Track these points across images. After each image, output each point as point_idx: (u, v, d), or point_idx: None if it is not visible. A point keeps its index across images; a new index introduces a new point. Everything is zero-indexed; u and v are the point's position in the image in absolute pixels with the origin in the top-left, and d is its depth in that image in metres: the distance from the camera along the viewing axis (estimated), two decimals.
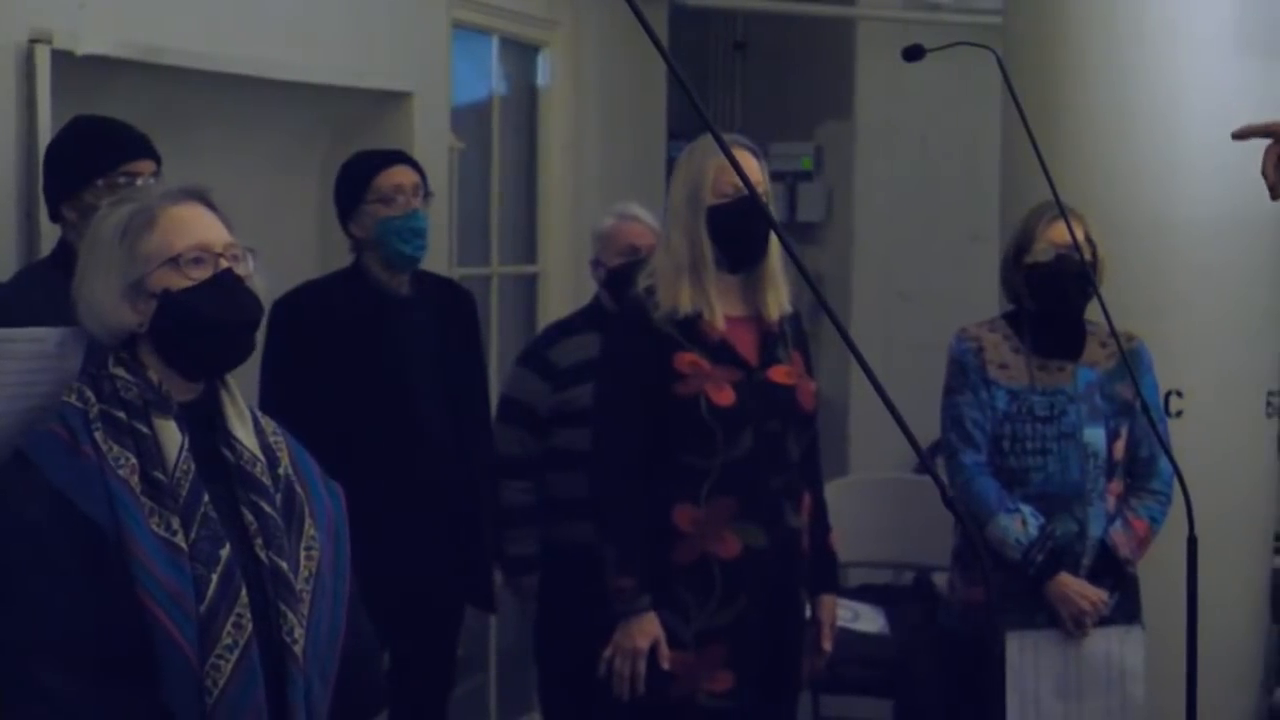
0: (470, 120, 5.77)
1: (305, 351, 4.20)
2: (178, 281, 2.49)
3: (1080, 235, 4.19)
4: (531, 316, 6.21)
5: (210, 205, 2.57)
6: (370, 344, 4.24)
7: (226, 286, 2.52)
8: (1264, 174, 3.00)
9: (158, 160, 3.47)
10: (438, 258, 4.99)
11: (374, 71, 4.90)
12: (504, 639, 5.97)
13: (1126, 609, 4.32)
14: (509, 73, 6.09)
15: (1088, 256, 4.21)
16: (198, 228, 2.53)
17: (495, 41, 5.93)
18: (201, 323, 2.49)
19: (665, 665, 3.76)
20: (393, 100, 5.00)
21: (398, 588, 4.01)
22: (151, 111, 3.88)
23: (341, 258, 4.41)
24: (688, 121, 7.13)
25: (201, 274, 2.50)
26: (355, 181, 4.33)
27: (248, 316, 2.55)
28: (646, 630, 3.75)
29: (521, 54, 6.15)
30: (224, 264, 2.52)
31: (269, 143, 4.78)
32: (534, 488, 4.66)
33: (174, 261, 2.49)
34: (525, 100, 6.20)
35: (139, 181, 3.35)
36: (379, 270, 4.30)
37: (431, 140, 5.10)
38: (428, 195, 4.34)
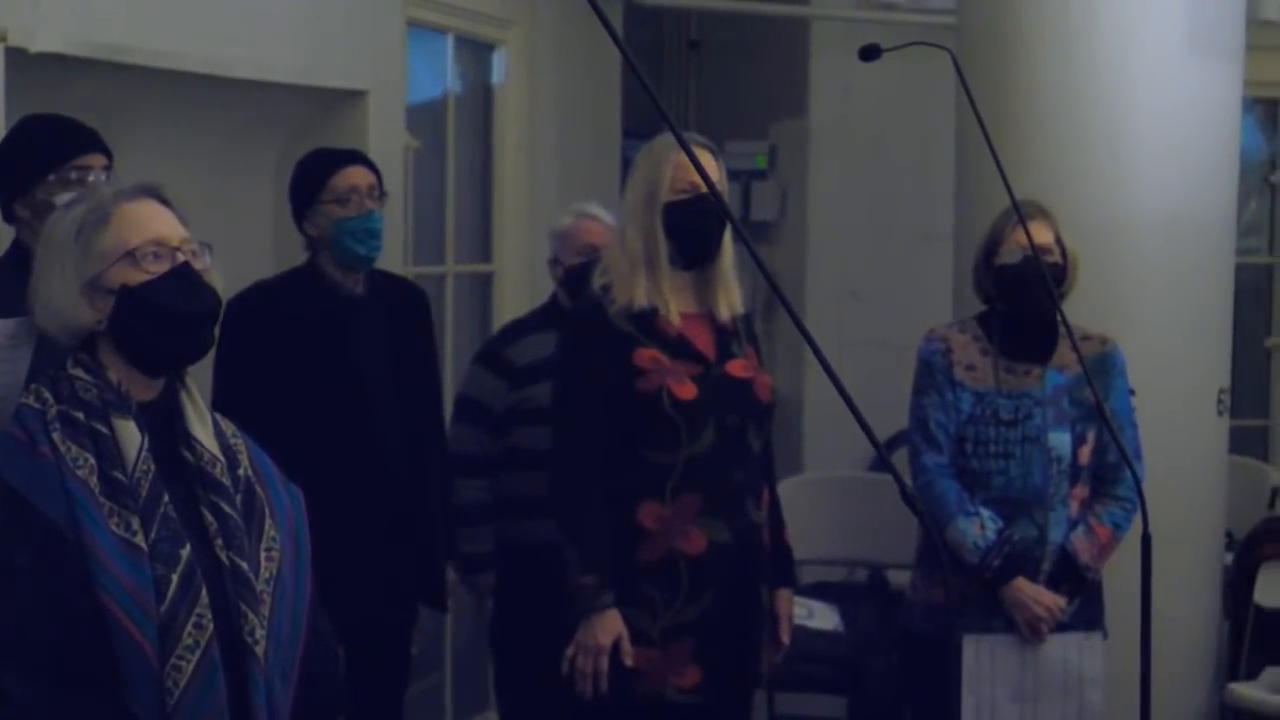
0: (425, 119, 5.77)
1: (259, 351, 4.18)
2: (135, 276, 2.48)
3: (1050, 236, 4.21)
4: (487, 315, 6.21)
5: (165, 201, 2.56)
6: (324, 343, 4.23)
7: (185, 279, 2.50)
8: None
9: (109, 155, 3.45)
10: (393, 256, 4.98)
11: (329, 70, 4.89)
12: (459, 637, 5.97)
13: (1087, 615, 4.32)
14: (464, 71, 6.08)
15: (1057, 258, 4.22)
16: (153, 223, 2.52)
17: (450, 40, 5.92)
18: (161, 315, 2.48)
19: (628, 662, 3.76)
20: (348, 99, 4.99)
21: (352, 587, 4.00)
22: (106, 109, 3.87)
23: (296, 256, 4.40)
24: (643, 120, 7.14)
25: (159, 268, 2.49)
26: (310, 181, 4.31)
27: (206, 308, 2.54)
28: (609, 627, 3.76)
29: (476, 52, 6.15)
30: (181, 258, 2.51)
31: (224, 141, 4.76)
32: (490, 486, 4.66)
33: (130, 256, 2.48)
34: (480, 99, 6.20)
35: (90, 177, 3.34)
36: (333, 270, 4.29)
37: (387, 139, 5.09)
38: (383, 195, 4.34)
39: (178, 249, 2.51)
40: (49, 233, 2.55)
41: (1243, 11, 5.20)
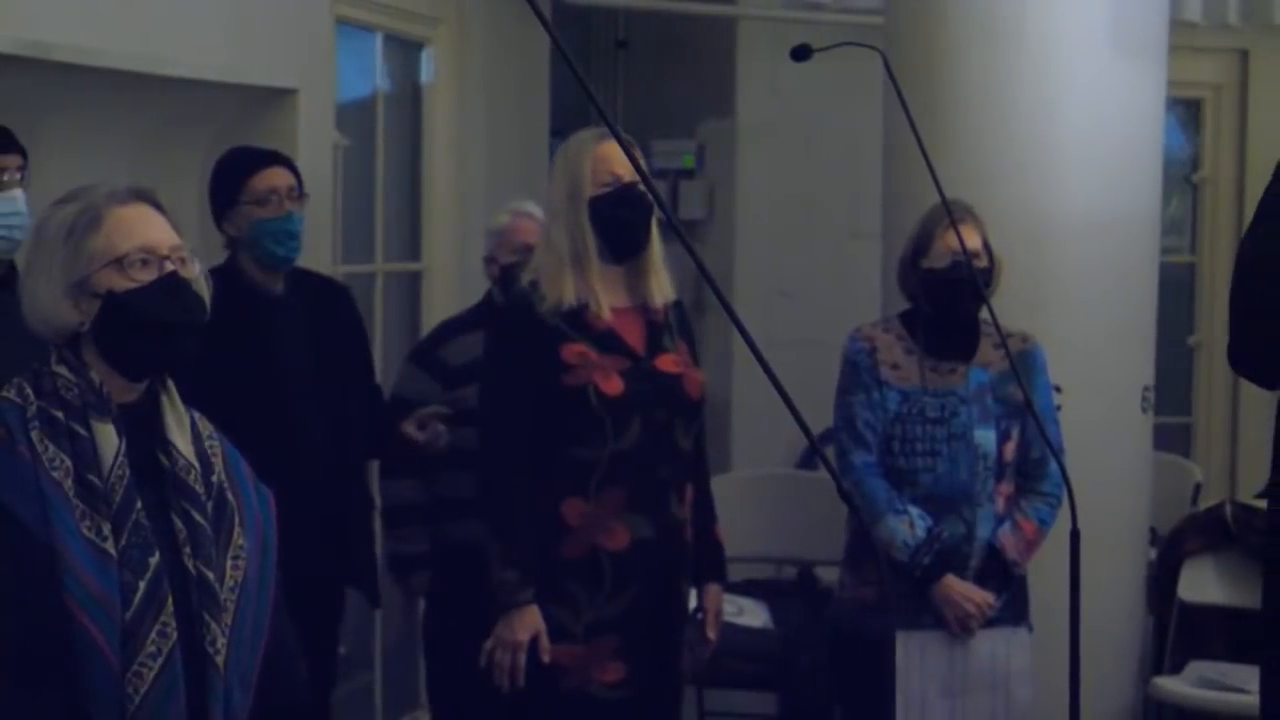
0: (354, 117, 5.75)
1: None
2: (122, 283, 2.47)
3: (978, 240, 4.24)
4: (416, 314, 6.19)
5: (157, 206, 2.55)
6: (243, 343, 4.21)
7: (171, 288, 2.49)
8: None
9: (24, 155, 3.43)
10: (321, 255, 4.97)
11: (258, 68, 4.87)
12: (390, 637, 5.96)
13: (1014, 610, 4.37)
14: (393, 70, 6.07)
15: (984, 263, 4.26)
16: (144, 229, 2.50)
17: (379, 38, 5.91)
18: (145, 324, 2.48)
19: (545, 658, 3.77)
20: (277, 97, 4.97)
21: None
22: (29, 107, 3.84)
23: (222, 255, 4.39)
24: (570, 119, 7.13)
25: (146, 276, 2.48)
26: (229, 181, 4.30)
27: (191, 318, 2.53)
28: (527, 623, 3.77)
29: (405, 51, 6.14)
30: (169, 266, 2.50)
31: (151, 139, 4.74)
32: (423, 486, 4.66)
33: (118, 263, 2.47)
34: (409, 97, 6.19)
35: (4, 177, 3.32)
36: (253, 269, 4.28)
37: (316, 137, 5.08)
38: (302, 196, 4.32)
39: (166, 257, 2.50)
40: (39, 229, 2.55)
41: (1166, 13, 5.27)
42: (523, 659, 3.77)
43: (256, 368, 4.21)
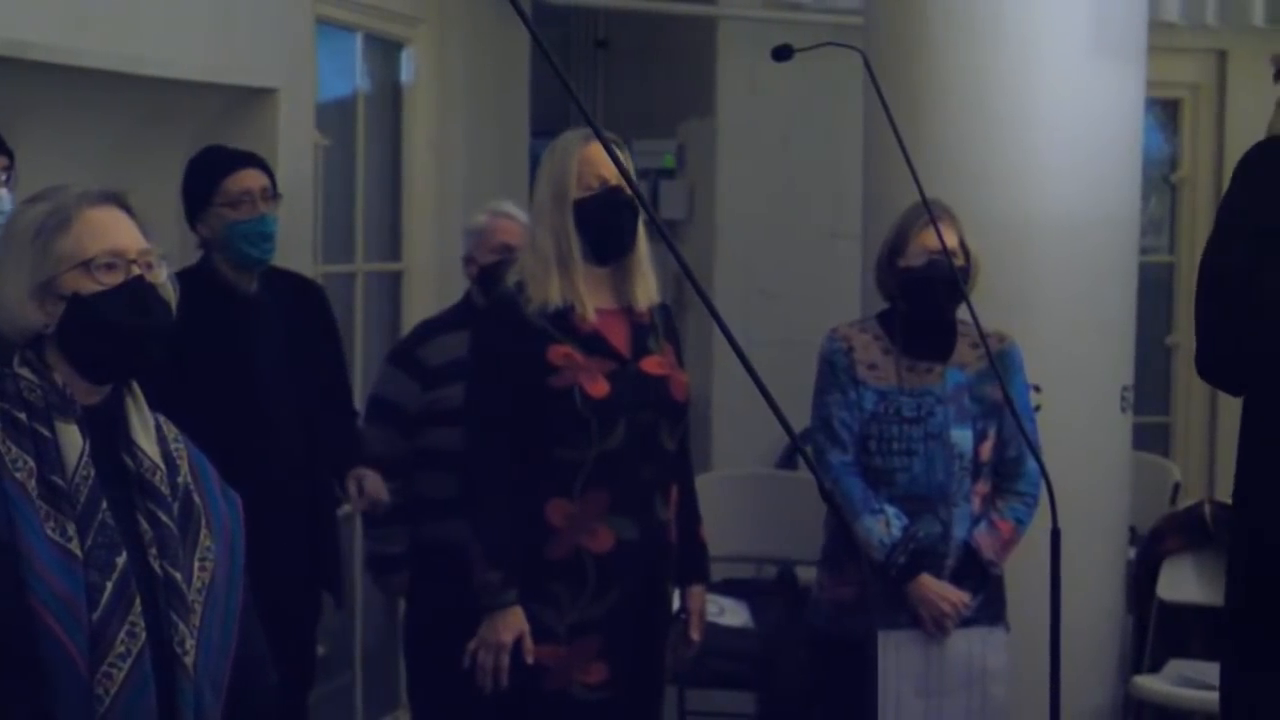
0: (334, 117, 5.74)
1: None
2: (88, 285, 2.47)
3: (954, 240, 4.24)
4: (396, 314, 6.19)
5: (128, 209, 2.54)
6: (218, 342, 4.21)
7: (136, 293, 2.48)
8: None
9: (10, 155, 3.42)
10: (301, 255, 4.97)
11: (238, 67, 4.86)
12: (369, 637, 5.96)
13: (991, 610, 4.38)
14: (373, 70, 6.06)
15: (961, 262, 4.27)
16: (113, 232, 2.49)
17: (359, 38, 5.90)
18: (108, 328, 2.47)
19: (529, 660, 3.77)
20: (257, 97, 4.96)
21: (252, 586, 3.98)
22: (8, 106, 3.83)
23: (199, 255, 4.39)
24: (551, 119, 7.13)
25: (112, 279, 2.47)
26: (203, 182, 4.30)
27: (156, 323, 2.52)
28: (511, 624, 3.77)
29: (385, 51, 6.13)
30: (136, 270, 2.49)
31: (131, 139, 4.73)
32: (402, 487, 4.65)
33: (85, 265, 2.46)
34: (389, 97, 6.18)
35: None
36: (227, 270, 4.29)
37: (296, 137, 5.08)
38: (276, 197, 4.32)
39: (134, 261, 2.49)
40: (9, 228, 2.54)
41: (1145, 13, 5.28)
42: (506, 660, 3.77)
43: (231, 367, 4.21)
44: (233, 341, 4.22)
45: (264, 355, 4.27)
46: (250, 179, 4.28)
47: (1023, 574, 4.38)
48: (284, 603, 4.26)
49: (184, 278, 4.18)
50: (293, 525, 4.27)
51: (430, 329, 4.76)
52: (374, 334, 6.01)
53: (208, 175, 4.29)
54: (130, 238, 2.51)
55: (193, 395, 4.10)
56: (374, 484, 4.47)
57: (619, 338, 3.87)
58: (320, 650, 4.75)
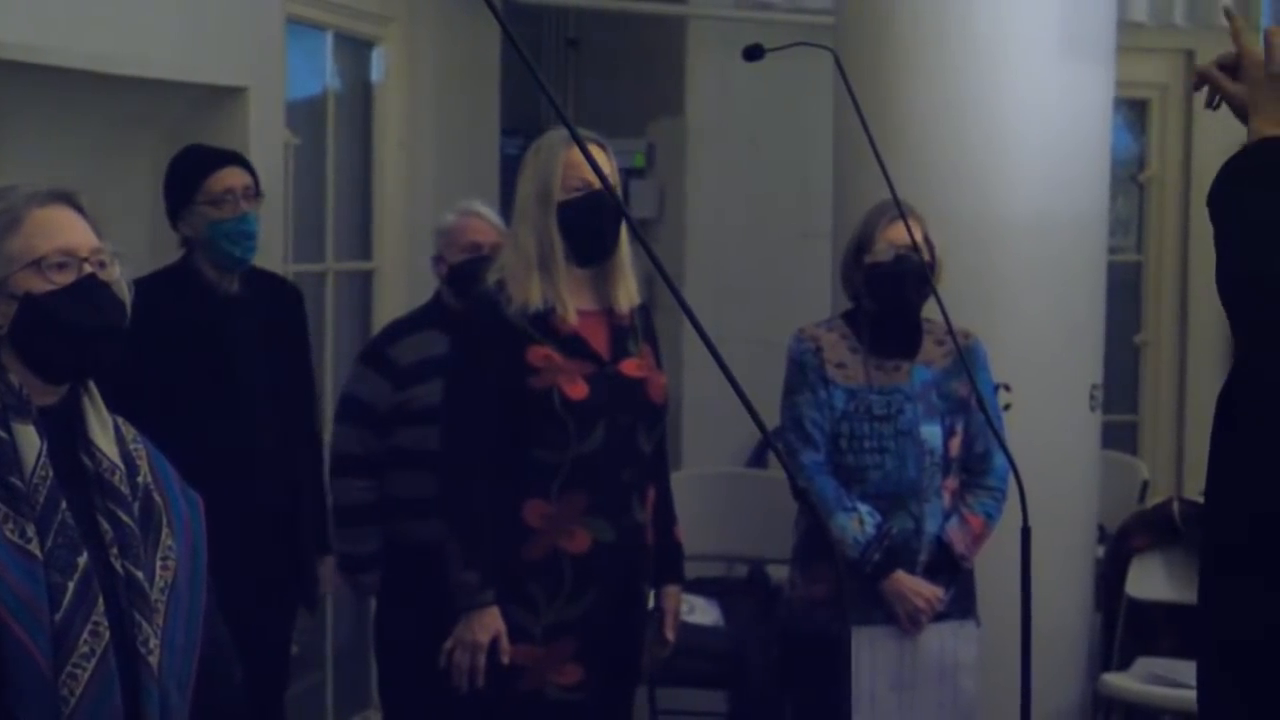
0: (305, 116, 5.74)
1: (133, 350, 4.14)
2: (40, 285, 2.45)
3: (919, 235, 4.26)
4: (367, 313, 6.18)
5: (78, 208, 2.52)
6: (200, 343, 4.21)
7: (89, 292, 2.47)
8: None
9: None
10: (272, 254, 4.96)
11: (208, 66, 4.85)
12: (340, 637, 5.95)
13: (962, 604, 4.41)
14: (343, 68, 6.06)
15: (926, 257, 4.29)
16: (63, 231, 2.48)
17: (330, 37, 5.90)
18: (61, 328, 2.46)
19: (505, 660, 3.77)
20: (227, 95, 4.95)
21: (230, 586, 3.98)
22: None
23: (172, 255, 4.37)
24: (521, 118, 7.14)
25: (64, 278, 2.46)
26: (185, 181, 4.29)
27: (109, 322, 2.50)
28: (487, 625, 3.77)
29: (356, 49, 6.13)
30: (88, 269, 2.48)
31: (101, 138, 4.72)
32: (373, 486, 4.65)
33: (37, 265, 2.45)
34: (360, 96, 6.18)
35: None
36: (208, 269, 4.28)
37: (266, 136, 5.06)
38: (258, 196, 4.31)
39: (86, 259, 2.48)
40: None
41: (1113, 14, 5.30)
42: (482, 660, 3.77)
43: (212, 367, 4.20)
44: (215, 341, 4.22)
45: (246, 357, 4.27)
46: (233, 177, 4.27)
47: (993, 572, 4.40)
48: (261, 600, 4.27)
49: (165, 277, 4.25)
50: (272, 527, 4.27)
51: (401, 328, 4.76)
52: (345, 333, 6.00)
53: (190, 174, 4.28)
54: (82, 236, 2.50)
55: (174, 394, 4.12)
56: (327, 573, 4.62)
57: (599, 340, 3.87)
58: (292, 649, 4.74)
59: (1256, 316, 2.42)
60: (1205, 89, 2.76)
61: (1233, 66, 2.68)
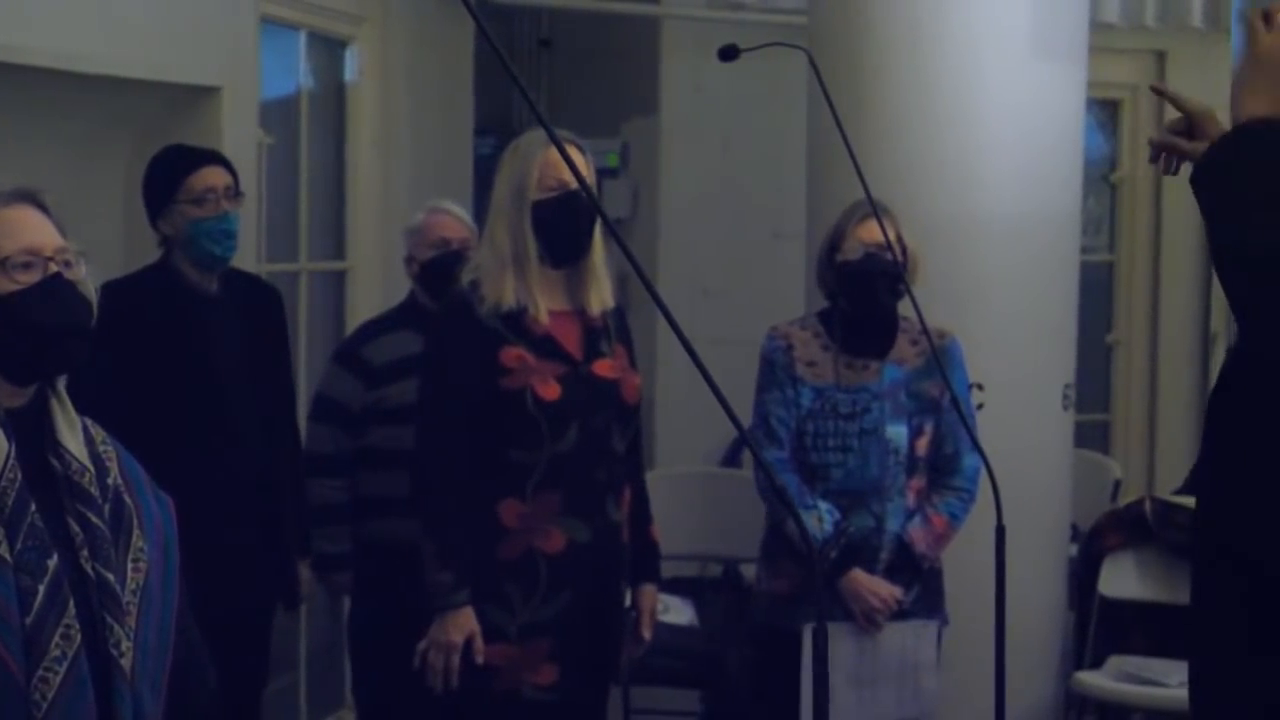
0: (278, 115, 5.73)
1: (112, 351, 4.13)
2: (5, 285, 2.45)
3: (891, 234, 4.27)
4: (340, 313, 6.17)
5: (42, 207, 2.52)
6: (180, 343, 4.20)
7: (55, 291, 2.47)
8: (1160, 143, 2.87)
9: None
10: (246, 254, 4.94)
11: (181, 65, 4.84)
12: (314, 637, 5.94)
13: (927, 603, 4.42)
14: (317, 68, 6.05)
15: (898, 255, 4.30)
16: (27, 231, 2.48)
17: (303, 36, 5.89)
18: (27, 328, 2.45)
19: (480, 660, 3.77)
20: (201, 95, 4.95)
21: (210, 586, 3.97)
22: None
23: (147, 255, 4.36)
24: (495, 118, 7.14)
25: (29, 278, 2.46)
26: (166, 180, 4.28)
27: (76, 321, 2.50)
28: (462, 625, 3.76)
29: (329, 49, 6.12)
30: (53, 268, 2.48)
31: (75, 138, 4.71)
32: (347, 486, 4.65)
33: (1, 265, 2.45)
34: (333, 95, 6.17)
35: None
36: (188, 269, 4.26)
37: (240, 135, 5.06)
38: (239, 195, 4.31)
39: (51, 259, 2.48)
40: None
41: (1086, 15, 5.32)
42: (457, 660, 3.76)
43: (192, 367, 4.20)
44: (194, 341, 4.22)
45: (225, 357, 4.26)
46: (213, 176, 4.27)
47: (965, 570, 4.42)
48: (241, 604, 4.27)
49: (144, 277, 4.24)
50: (252, 528, 4.27)
51: (375, 328, 4.77)
52: (318, 333, 5.99)
53: (170, 173, 4.27)
54: (46, 236, 2.49)
55: (154, 394, 4.11)
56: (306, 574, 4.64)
57: (571, 340, 3.87)
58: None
59: (1255, 293, 2.42)
60: (1163, 157, 2.81)
61: (1184, 130, 2.74)
